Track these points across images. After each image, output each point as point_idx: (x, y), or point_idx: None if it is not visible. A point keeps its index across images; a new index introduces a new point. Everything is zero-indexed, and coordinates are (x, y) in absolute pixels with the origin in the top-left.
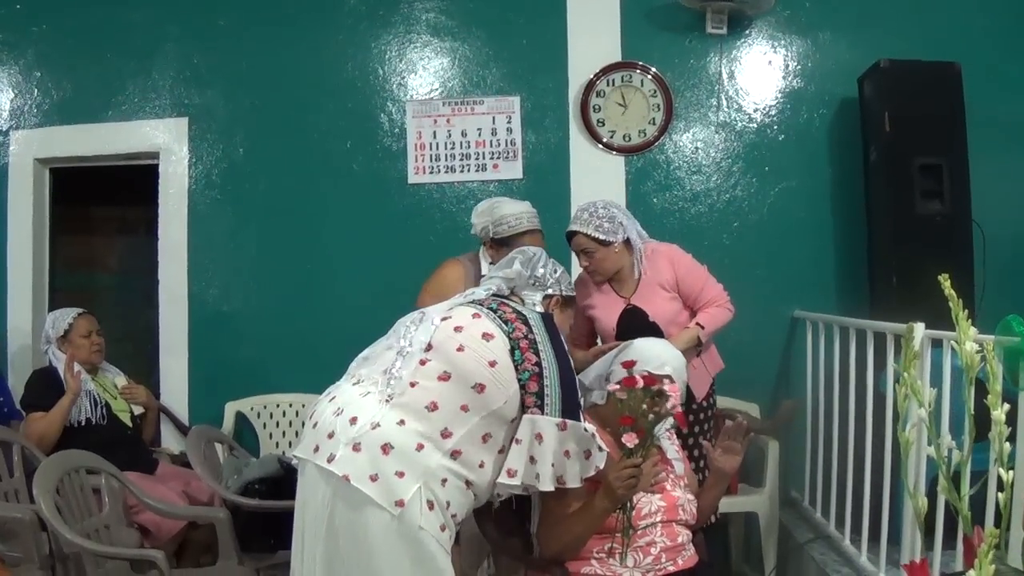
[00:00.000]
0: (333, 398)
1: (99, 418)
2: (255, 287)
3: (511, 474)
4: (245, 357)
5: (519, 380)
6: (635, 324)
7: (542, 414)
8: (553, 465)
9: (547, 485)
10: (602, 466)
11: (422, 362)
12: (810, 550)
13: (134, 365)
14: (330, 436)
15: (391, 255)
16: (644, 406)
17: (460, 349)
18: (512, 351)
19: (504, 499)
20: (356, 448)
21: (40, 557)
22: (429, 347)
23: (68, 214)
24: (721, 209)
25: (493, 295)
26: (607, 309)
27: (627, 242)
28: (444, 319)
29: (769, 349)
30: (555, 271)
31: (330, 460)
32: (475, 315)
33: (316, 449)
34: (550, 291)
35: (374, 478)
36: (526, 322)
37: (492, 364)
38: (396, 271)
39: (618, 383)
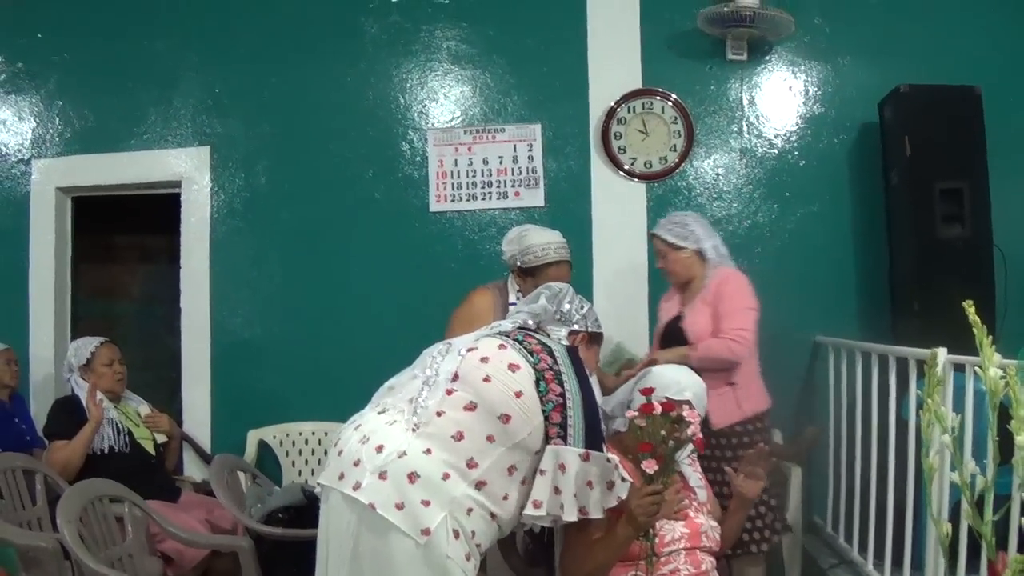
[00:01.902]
0: (359, 426)
1: (122, 446)
2: (277, 315)
3: (537, 505)
4: (268, 385)
5: (543, 411)
6: (670, 337)
7: (565, 444)
8: (576, 495)
9: (571, 515)
10: (624, 496)
11: (449, 392)
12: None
13: (156, 393)
14: (356, 464)
15: (413, 283)
16: (663, 432)
17: (487, 380)
18: (537, 382)
19: (528, 529)
20: (383, 476)
21: None
22: (456, 377)
23: (90, 242)
24: (743, 235)
25: (519, 328)
26: (666, 313)
27: (700, 253)
28: (470, 350)
29: (791, 374)
30: (582, 307)
31: (356, 488)
32: (501, 346)
33: (341, 477)
34: (576, 327)
35: (400, 506)
36: (551, 354)
37: (518, 395)
38: (418, 299)
39: (637, 410)
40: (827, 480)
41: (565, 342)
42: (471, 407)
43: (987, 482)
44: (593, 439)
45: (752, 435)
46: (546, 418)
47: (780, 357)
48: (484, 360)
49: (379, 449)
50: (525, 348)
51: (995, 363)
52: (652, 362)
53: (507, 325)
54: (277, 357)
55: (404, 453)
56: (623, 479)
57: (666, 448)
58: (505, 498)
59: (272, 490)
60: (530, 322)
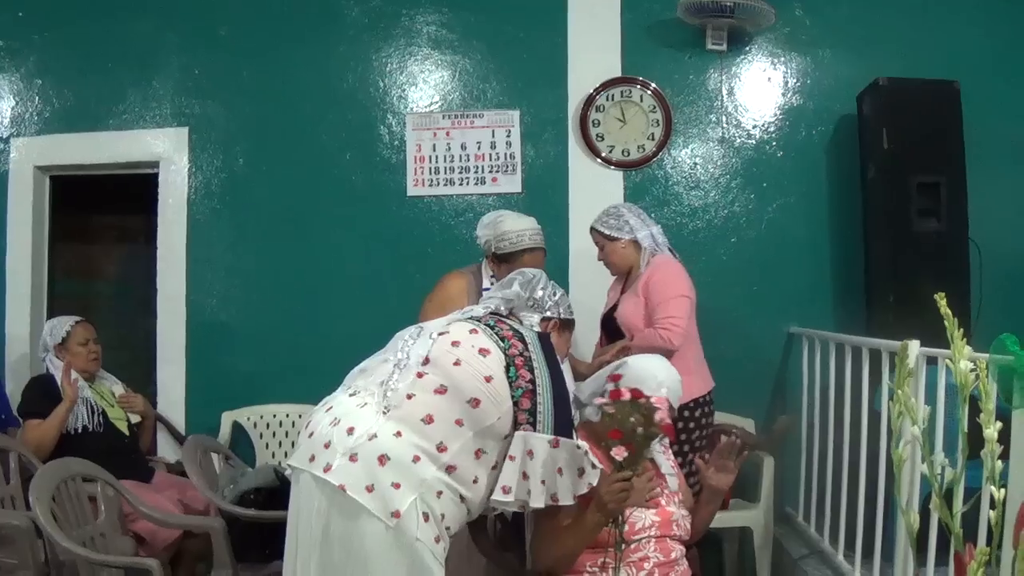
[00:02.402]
0: (330, 408)
1: (96, 426)
2: (253, 297)
3: (505, 491)
4: (242, 367)
5: (512, 397)
6: (606, 326)
7: (534, 431)
8: (544, 482)
9: (538, 502)
10: (595, 483)
11: (419, 375)
12: (804, 565)
13: (131, 373)
14: (326, 446)
15: (389, 267)
16: (632, 419)
17: (457, 363)
18: (507, 368)
19: (499, 513)
20: (353, 458)
21: (36, 564)
22: (427, 361)
23: (68, 222)
24: (719, 225)
25: (491, 313)
26: (609, 301)
27: (636, 243)
28: (442, 334)
29: (765, 365)
30: (554, 294)
31: (326, 470)
32: (472, 331)
33: (312, 459)
34: (548, 314)
35: (370, 488)
36: (522, 340)
37: (488, 379)
38: (394, 283)
39: (606, 397)
40: (799, 470)
41: (537, 328)
42: (441, 390)
43: (955, 474)
44: (563, 425)
45: (695, 419)
46: (515, 404)
47: (754, 347)
48: (455, 344)
49: (350, 431)
50: (496, 334)
51: (966, 356)
52: (625, 350)
53: (479, 310)
54: (252, 339)
55: (375, 435)
56: (593, 466)
57: (636, 435)
58: (475, 481)
59: (245, 471)
60: (502, 308)
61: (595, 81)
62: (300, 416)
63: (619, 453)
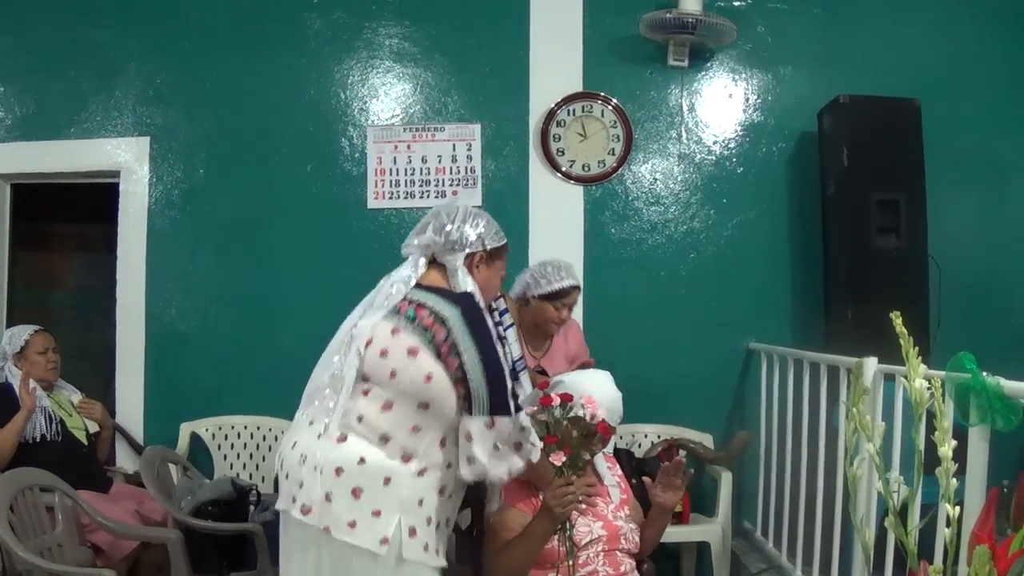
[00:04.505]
0: (295, 444)
1: (54, 435)
2: (213, 308)
3: (459, 471)
4: (201, 378)
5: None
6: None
7: (470, 415)
8: (490, 460)
9: (499, 471)
10: (535, 459)
11: (364, 392)
12: None
13: (90, 383)
14: (300, 486)
15: (349, 279)
16: (565, 422)
17: (393, 375)
18: (437, 356)
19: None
20: (328, 498)
21: None
22: (366, 377)
23: (27, 230)
24: (679, 240)
25: (415, 288)
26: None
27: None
28: (368, 344)
29: (724, 380)
30: (475, 225)
31: (306, 512)
32: (394, 331)
33: (293, 500)
34: (470, 249)
35: (352, 524)
36: (444, 323)
37: (428, 379)
38: (354, 295)
39: (536, 406)
40: (757, 485)
41: (462, 272)
42: (388, 406)
43: (911, 492)
44: (500, 403)
45: None
46: (453, 389)
47: (713, 362)
48: (384, 354)
49: (317, 469)
50: (419, 325)
51: (921, 374)
52: (586, 365)
53: (400, 285)
54: (211, 350)
55: (340, 469)
56: (533, 444)
57: (572, 438)
58: (448, 466)
59: (203, 483)
60: (422, 258)
61: (556, 96)
62: (258, 428)
63: (558, 458)
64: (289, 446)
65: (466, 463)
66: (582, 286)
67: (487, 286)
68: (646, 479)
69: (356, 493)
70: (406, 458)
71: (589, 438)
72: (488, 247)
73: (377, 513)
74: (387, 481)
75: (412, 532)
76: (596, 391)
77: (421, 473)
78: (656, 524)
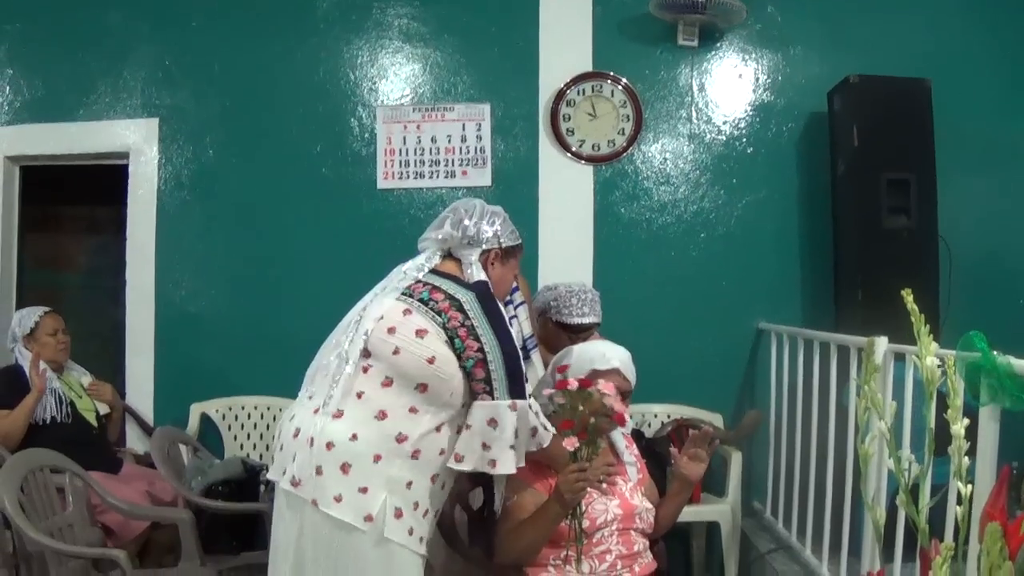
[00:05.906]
0: (293, 417)
1: (64, 417)
2: (222, 289)
3: (458, 459)
4: (211, 359)
5: (464, 368)
6: None
7: (492, 399)
8: (513, 447)
9: (508, 467)
10: (547, 444)
11: (364, 369)
12: (771, 560)
13: (100, 365)
14: (293, 459)
15: (359, 259)
16: (581, 407)
17: (396, 352)
18: (451, 340)
19: (466, 506)
20: (319, 471)
21: (3, 555)
22: (368, 353)
23: (37, 212)
24: (688, 220)
25: (429, 272)
26: None
27: None
28: (379, 319)
29: (734, 360)
30: (492, 223)
31: (295, 484)
32: (406, 311)
33: (284, 472)
34: (486, 246)
35: (339, 499)
36: (460, 308)
37: (431, 361)
38: (364, 275)
39: (553, 388)
40: (767, 465)
41: (476, 267)
42: (388, 383)
43: (921, 470)
44: (517, 388)
45: None
46: (468, 375)
47: (723, 342)
48: (391, 331)
49: (310, 442)
50: (432, 308)
51: (932, 352)
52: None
53: (413, 272)
54: (221, 331)
55: (332, 443)
56: (546, 428)
57: (588, 424)
58: (441, 453)
59: (213, 463)
60: (437, 252)
61: (566, 76)
62: (268, 408)
63: (572, 444)
64: (288, 419)
65: (481, 450)
66: (592, 269)
67: (500, 283)
68: (672, 450)
69: (345, 468)
70: (400, 439)
71: (603, 425)
72: (504, 245)
73: (364, 490)
74: (377, 459)
75: (398, 513)
76: (608, 350)
77: (414, 456)
78: (676, 499)
